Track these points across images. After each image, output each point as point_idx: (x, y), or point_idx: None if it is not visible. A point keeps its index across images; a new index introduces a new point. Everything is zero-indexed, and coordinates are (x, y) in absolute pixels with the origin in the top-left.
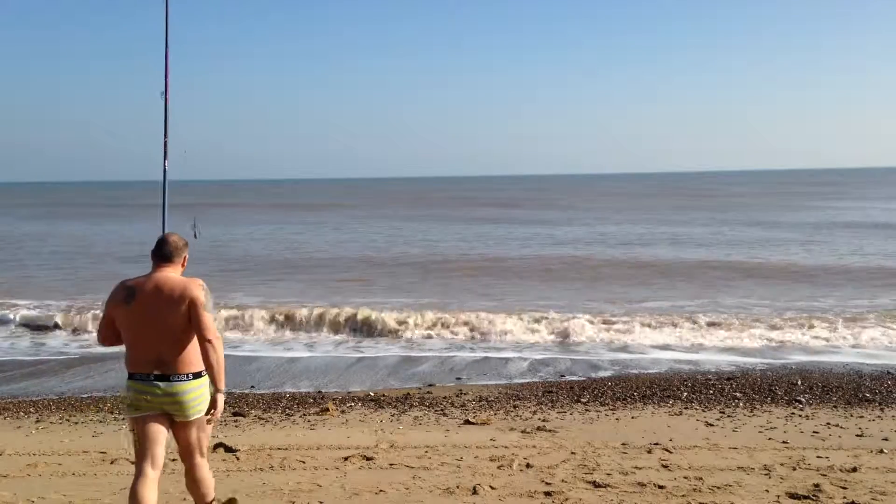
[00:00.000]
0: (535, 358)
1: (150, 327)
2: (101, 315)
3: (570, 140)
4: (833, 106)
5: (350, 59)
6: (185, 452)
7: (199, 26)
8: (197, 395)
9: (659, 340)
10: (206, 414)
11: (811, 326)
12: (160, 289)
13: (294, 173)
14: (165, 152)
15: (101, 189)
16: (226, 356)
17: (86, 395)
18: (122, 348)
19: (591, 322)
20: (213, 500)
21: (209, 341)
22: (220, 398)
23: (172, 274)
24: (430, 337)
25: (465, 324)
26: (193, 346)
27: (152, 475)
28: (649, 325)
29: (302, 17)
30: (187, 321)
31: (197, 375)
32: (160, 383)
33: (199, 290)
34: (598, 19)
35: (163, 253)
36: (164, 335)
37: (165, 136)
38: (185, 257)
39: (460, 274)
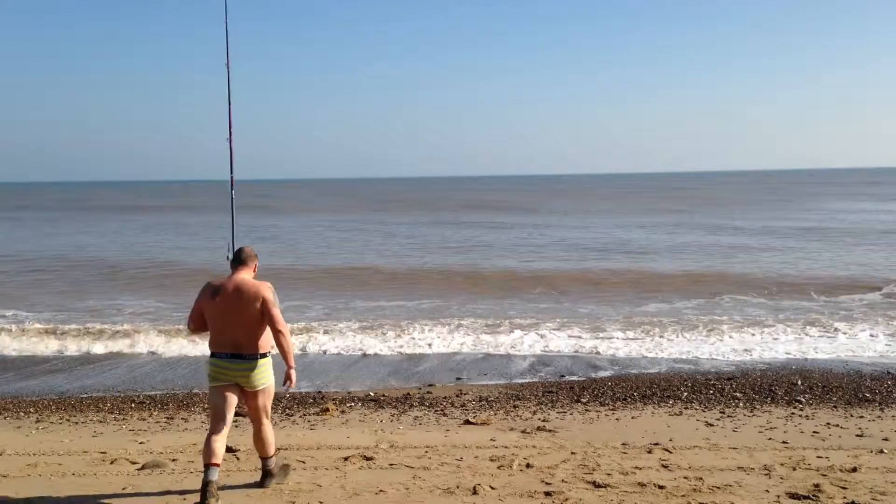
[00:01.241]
0: (536, 358)
1: (230, 317)
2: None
3: (570, 140)
4: (833, 106)
5: (350, 59)
6: (254, 415)
7: (200, 27)
8: (262, 370)
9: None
10: (284, 385)
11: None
12: (238, 288)
13: (294, 173)
14: (232, 184)
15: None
16: None
17: (86, 396)
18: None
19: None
20: (273, 455)
21: (280, 332)
22: (293, 372)
23: (247, 276)
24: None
25: (466, 327)
26: (260, 333)
27: (223, 432)
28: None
29: (302, 17)
30: (259, 314)
31: (262, 356)
32: (235, 360)
33: (269, 291)
34: (598, 19)
35: (240, 259)
36: (239, 324)
37: (231, 172)
38: (255, 265)
39: (456, 279)
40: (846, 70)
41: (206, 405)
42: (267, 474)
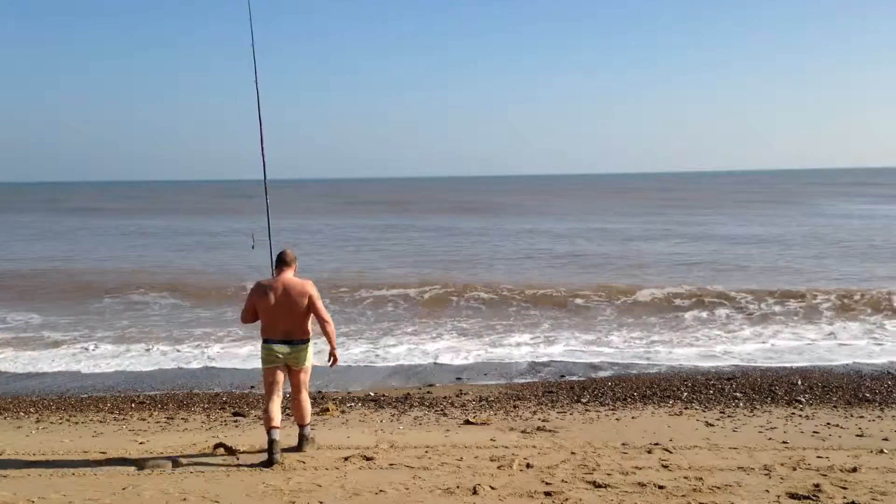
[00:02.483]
0: (536, 358)
1: (281, 311)
2: (245, 303)
3: (570, 140)
4: (833, 106)
5: (351, 60)
6: (296, 388)
7: (202, 27)
8: (306, 352)
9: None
10: (329, 363)
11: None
12: (287, 286)
13: (294, 173)
14: (266, 192)
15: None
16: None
17: (86, 396)
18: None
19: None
20: (308, 424)
21: (326, 322)
22: (336, 353)
23: (291, 275)
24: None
25: (465, 329)
26: (305, 322)
27: (277, 400)
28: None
29: (304, 17)
30: (305, 307)
31: (306, 341)
32: (285, 345)
33: (313, 288)
34: (598, 19)
35: (285, 261)
36: (289, 316)
37: (265, 181)
38: (296, 265)
39: (453, 281)
40: (846, 70)
41: (206, 405)
42: (303, 439)
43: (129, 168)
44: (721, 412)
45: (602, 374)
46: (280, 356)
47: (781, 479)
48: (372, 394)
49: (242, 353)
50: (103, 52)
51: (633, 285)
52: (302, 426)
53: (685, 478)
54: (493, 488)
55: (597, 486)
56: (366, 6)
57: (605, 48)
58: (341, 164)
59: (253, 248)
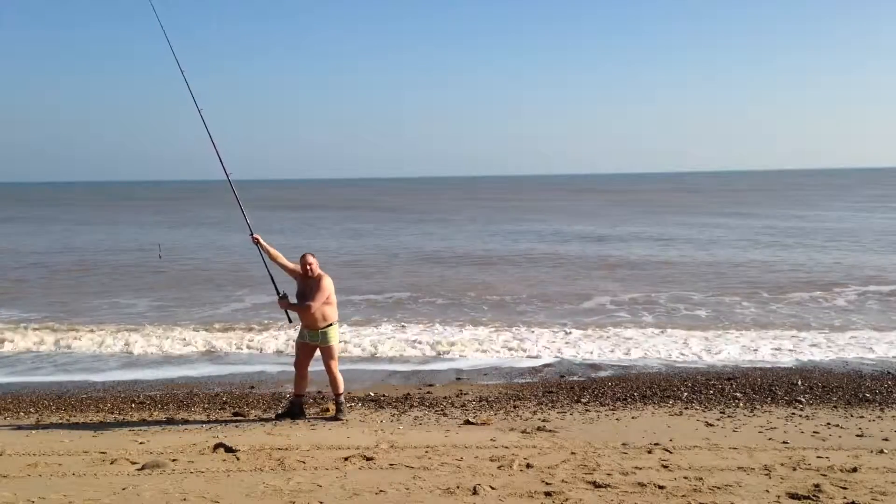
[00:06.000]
0: (536, 358)
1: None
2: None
3: (570, 140)
4: (833, 106)
5: (350, 59)
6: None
7: (199, 26)
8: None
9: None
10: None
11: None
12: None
13: (294, 174)
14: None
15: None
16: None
17: (86, 396)
18: None
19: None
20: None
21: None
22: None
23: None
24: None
25: (465, 328)
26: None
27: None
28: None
29: (303, 16)
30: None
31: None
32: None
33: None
34: (598, 19)
35: (310, 264)
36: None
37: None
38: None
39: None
40: (846, 70)
41: (206, 405)
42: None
43: (130, 168)
44: (721, 412)
45: (602, 374)
46: (311, 336)
47: (781, 479)
48: (372, 394)
49: (242, 351)
50: (102, 52)
51: (635, 285)
52: (299, 395)
53: (685, 478)
54: (493, 488)
55: (597, 486)
56: (363, 5)
57: (605, 48)
58: (342, 164)
59: (160, 258)
